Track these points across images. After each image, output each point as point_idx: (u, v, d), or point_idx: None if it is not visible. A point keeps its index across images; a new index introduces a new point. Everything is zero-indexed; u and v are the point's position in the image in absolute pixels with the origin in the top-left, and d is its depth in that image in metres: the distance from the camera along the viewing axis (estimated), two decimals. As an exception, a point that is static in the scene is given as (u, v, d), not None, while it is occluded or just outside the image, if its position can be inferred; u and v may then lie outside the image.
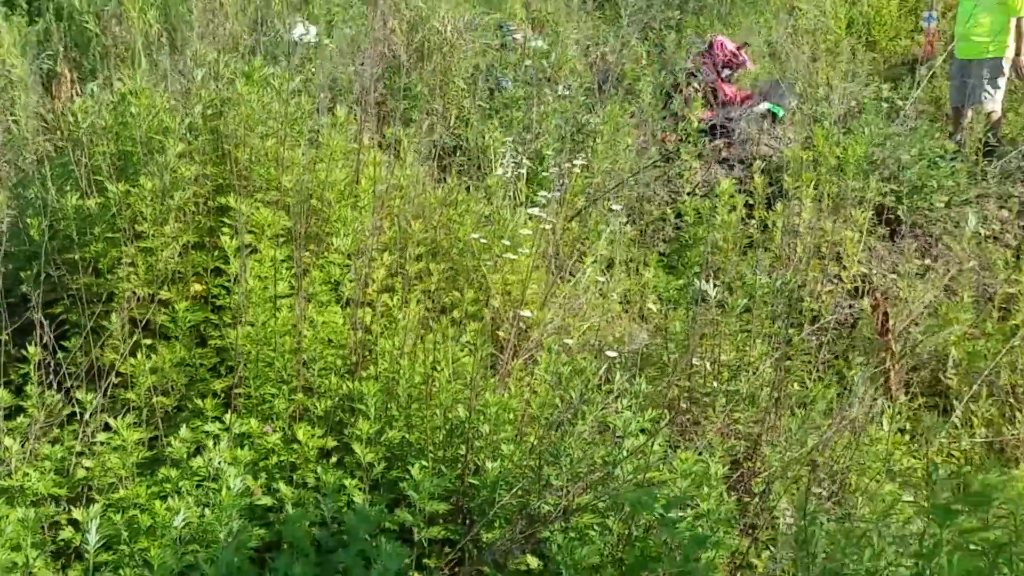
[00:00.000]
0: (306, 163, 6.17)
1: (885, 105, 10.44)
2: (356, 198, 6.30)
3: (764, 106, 10.64)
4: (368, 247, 5.76)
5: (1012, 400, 6.54)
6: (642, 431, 4.70)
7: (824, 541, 4.39)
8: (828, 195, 7.90)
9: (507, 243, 6.15)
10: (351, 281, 5.61)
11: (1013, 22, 11.56)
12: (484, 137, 7.44)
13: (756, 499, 5.06)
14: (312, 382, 5.29)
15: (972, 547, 4.03)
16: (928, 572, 3.59)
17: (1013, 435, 6.22)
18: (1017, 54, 11.56)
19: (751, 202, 7.82)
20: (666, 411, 5.54)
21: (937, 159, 8.83)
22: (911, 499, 4.53)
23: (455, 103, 8.40)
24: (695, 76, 11.16)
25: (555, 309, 6.02)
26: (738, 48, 11.71)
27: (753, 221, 7.75)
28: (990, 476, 3.74)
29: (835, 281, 7.55)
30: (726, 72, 11.44)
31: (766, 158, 8.55)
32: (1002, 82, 11.71)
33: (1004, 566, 3.96)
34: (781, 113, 10.59)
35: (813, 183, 7.68)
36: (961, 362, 6.69)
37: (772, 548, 4.70)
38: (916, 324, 6.71)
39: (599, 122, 7.92)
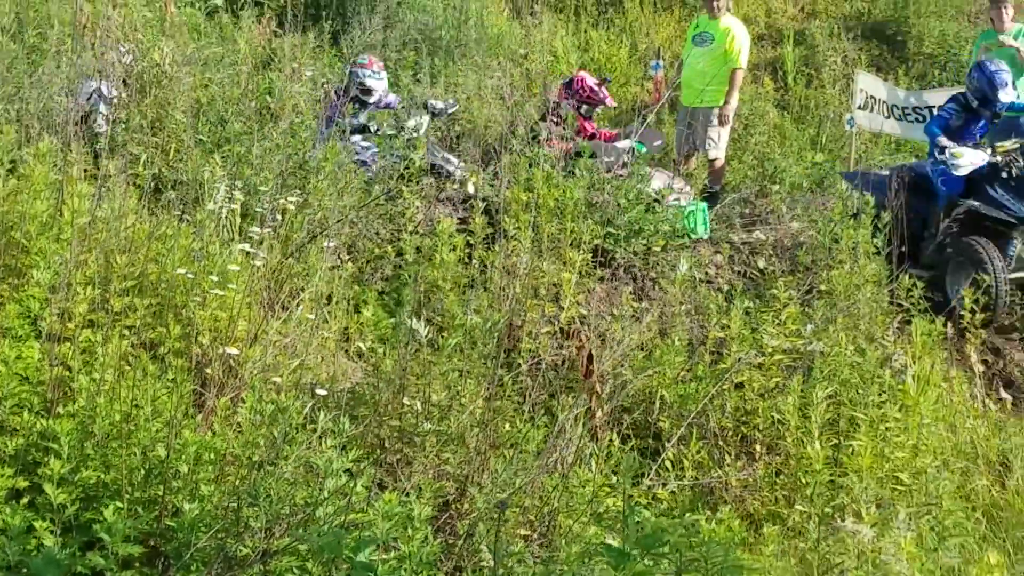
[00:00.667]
0: (5, 194, 5.91)
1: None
2: (59, 230, 6.06)
3: (627, 143, 10.75)
4: (69, 281, 5.54)
5: (721, 443, 6.68)
6: (347, 471, 4.61)
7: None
8: (547, 237, 7.97)
9: (216, 279, 5.99)
10: (50, 315, 5.38)
11: (731, 72, 11.99)
12: (200, 171, 7.27)
13: (462, 541, 5.03)
14: (4, 419, 5.03)
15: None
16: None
17: (720, 478, 6.35)
18: (725, 103, 11.99)
19: (471, 242, 7.83)
20: (375, 451, 5.47)
21: (654, 203, 9.02)
22: (612, 542, 4.55)
23: (175, 137, 8.19)
24: (556, 110, 11.17)
25: (266, 346, 5.89)
26: (598, 84, 11.68)
27: (473, 261, 7.76)
28: (667, 521, 3.80)
29: (552, 322, 7.61)
30: (585, 108, 11.47)
31: (488, 199, 8.59)
32: (725, 130, 12.11)
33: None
34: (644, 150, 10.74)
35: (532, 225, 7.74)
36: (672, 404, 6.80)
37: (477, 590, 4.67)
38: (624, 365, 6.80)
39: (321, 158, 7.83)
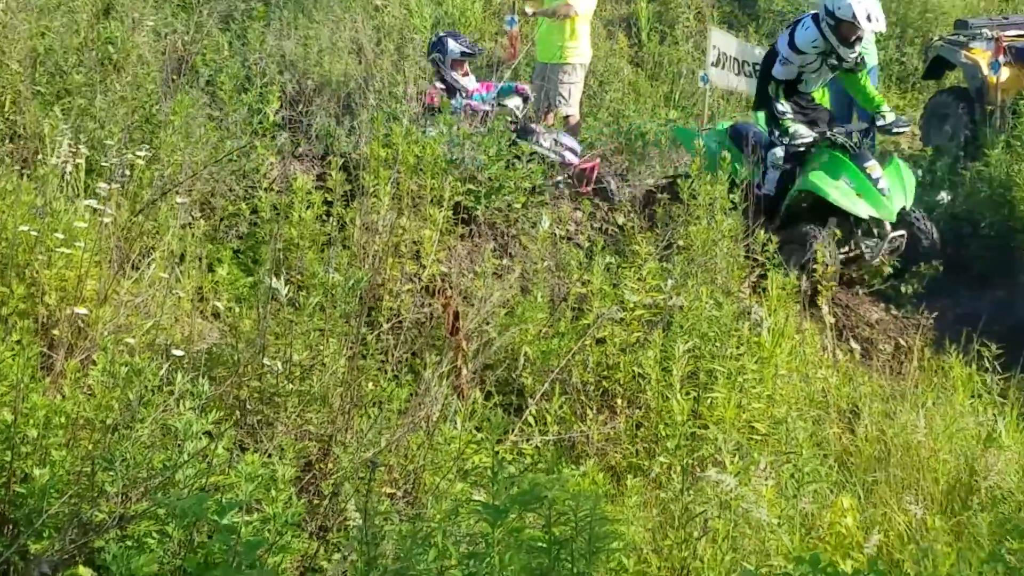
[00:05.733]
0: None
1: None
2: None
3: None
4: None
5: (583, 398, 6.67)
6: (207, 434, 4.49)
7: (394, 541, 4.32)
8: (407, 193, 7.87)
9: (61, 236, 5.78)
10: None
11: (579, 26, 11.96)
12: (40, 124, 7.01)
13: (327, 501, 4.94)
14: None
15: (538, 545, 4.06)
16: (481, 572, 3.54)
17: (583, 433, 6.35)
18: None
19: (329, 199, 7.68)
20: (235, 412, 5.35)
21: (514, 160, 8.96)
22: (480, 498, 4.51)
23: (11, 88, 7.85)
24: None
25: (117, 306, 5.70)
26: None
27: (331, 218, 7.62)
28: (543, 476, 3.77)
29: (414, 280, 7.52)
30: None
31: (345, 155, 8.42)
32: (576, 86, 12.09)
33: (566, 562, 4.00)
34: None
35: (392, 181, 7.63)
36: (535, 361, 6.77)
37: (343, 550, 4.59)
38: (488, 323, 6.75)
39: (169, 112, 7.60)
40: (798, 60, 9.55)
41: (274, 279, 5.66)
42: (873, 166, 9.52)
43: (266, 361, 5.54)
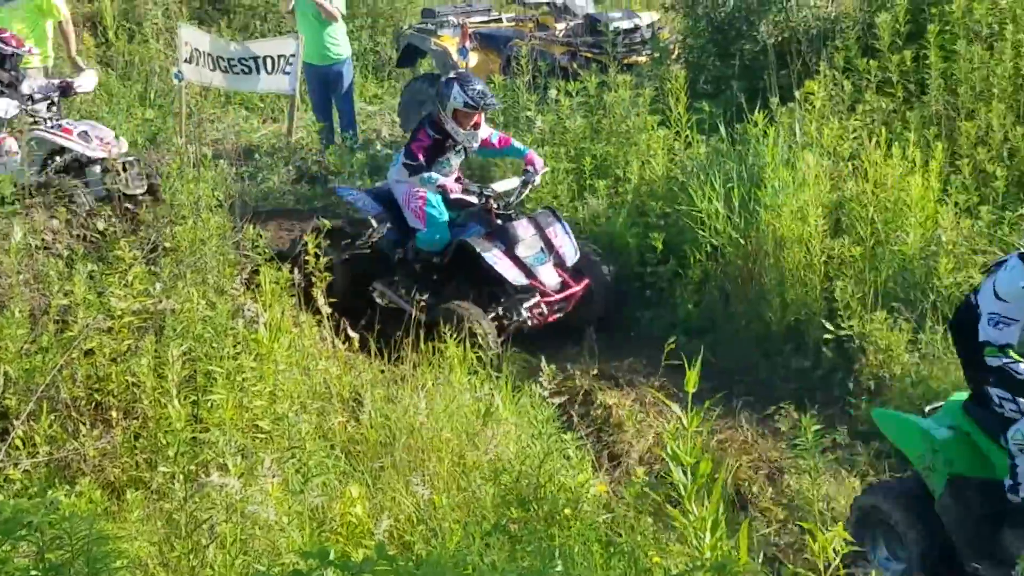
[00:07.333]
0: None
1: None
2: None
3: None
4: None
5: (74, 414, 6.42)
6: None
7: None
8: None
9: None
10: None
11: (50, 27, 11.47)
12: None
13: None
14: None
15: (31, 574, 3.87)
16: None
17: (77, 451, 6.10)
18: (69, 55, 11.55)
19: None
20: None
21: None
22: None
23: None
24: None
25: None
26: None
27: None
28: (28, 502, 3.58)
29: None
30: None
31: None
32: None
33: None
34: None
35: None
36: (18, 379, 6.43)
37: None
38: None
39: None
40: (1014, 312, 5.92)
41: None
42: None
43: None
